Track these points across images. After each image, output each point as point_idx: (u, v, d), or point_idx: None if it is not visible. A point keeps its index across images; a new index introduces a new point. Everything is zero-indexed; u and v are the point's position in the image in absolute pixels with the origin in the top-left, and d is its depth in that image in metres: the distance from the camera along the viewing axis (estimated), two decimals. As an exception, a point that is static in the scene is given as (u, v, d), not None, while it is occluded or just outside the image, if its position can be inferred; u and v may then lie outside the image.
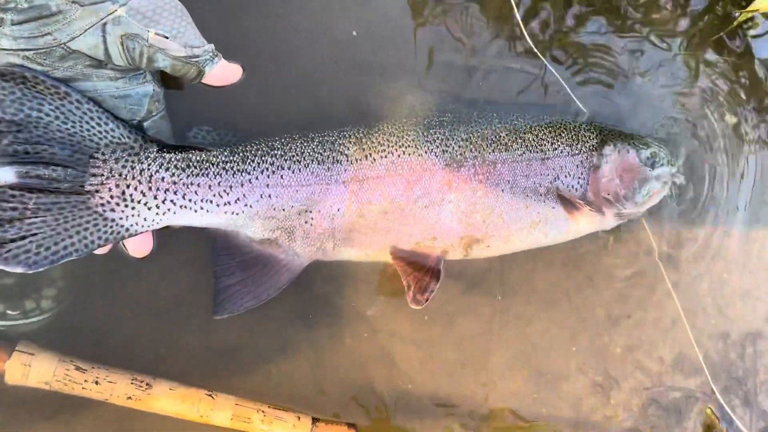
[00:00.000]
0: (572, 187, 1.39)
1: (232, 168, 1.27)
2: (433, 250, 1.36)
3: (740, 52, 1.63)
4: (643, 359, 1.53)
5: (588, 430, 1.50)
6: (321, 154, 1.30)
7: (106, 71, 1.14)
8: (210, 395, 1.23)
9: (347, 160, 1.30)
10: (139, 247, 1.31)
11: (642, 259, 1.55)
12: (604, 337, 1.52)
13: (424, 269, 1.35)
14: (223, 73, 1.25)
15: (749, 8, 1.52)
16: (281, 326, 1.43)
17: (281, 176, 1.28)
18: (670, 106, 1.60)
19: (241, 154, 1.29)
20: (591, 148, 1.42)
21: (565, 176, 1.39)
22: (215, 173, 1.26)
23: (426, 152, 1.33)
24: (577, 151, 1.41)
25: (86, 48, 1.07)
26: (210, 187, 1.25)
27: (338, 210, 1.29)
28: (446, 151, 1.34)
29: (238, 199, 1.27)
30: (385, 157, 1.32)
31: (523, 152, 1.37)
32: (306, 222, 1.30)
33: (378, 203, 1.30)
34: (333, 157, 1.30)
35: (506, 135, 1.38)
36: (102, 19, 1.03)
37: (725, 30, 1.61)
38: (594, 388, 1.51)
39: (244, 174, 1.27)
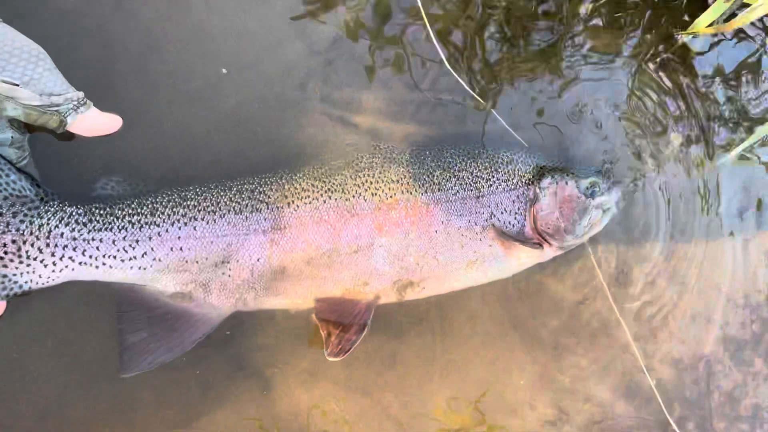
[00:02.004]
0: (509, 223, 1.35)
1: (139, 221, 1.24)
2: (364, 296, 1.32)
3: (682, 70, 1.58)
4: (593, 389, 1.48)
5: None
6: (239, 204, 1.27)
7: None
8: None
9: (267, 208, 1.27)
10: None
11: (588, 285, 1.51)
12: (553, 368, 1.48)
13: (348, 319, 1.30)
14: (92, 124, 1.19)
15: (689, 29, 1.46)
16: (208, 375, 1.38)
17: (194, 228, 1.25)
18: (614, 130, 1.56)
19: (150, 206, 1.25)
20: (528, 181, 1.38)
21: (501, 212, 1.35)
22: (120, 227, 1.22)
23: (354, 196, 1.29)
24: (513, 186, 1.37)
25: None
26: (113, 242, 1.22)
27: (258, 260, 1.26)
28: (375, 194, 1.30)
29: (146, 253, 1.24)
30: (309, 203, 1.28)
31: (457, 191, 1.33)
32: (223, 273, 1.26)
33: (302, 251, 1.27)
34: (252, 206, 1.27)
35: (439, 174, 1.34)
36: None
37: (667, 51, 1.56)
38: (545, 425, 1.46)
39: (152, 227, 1.24)
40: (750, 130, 1.55)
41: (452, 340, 1.46)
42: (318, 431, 1.39)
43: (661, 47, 1.58)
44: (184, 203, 1.26)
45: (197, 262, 1.25)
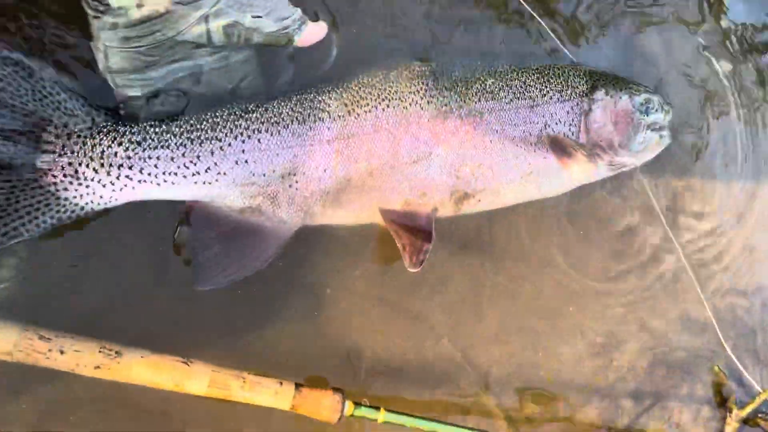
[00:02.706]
0: (563, 134, 1.34)
1: (199, 137, 1.21)
2: (423, 207, 1.30)
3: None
4: (646, 317, 1.45)
5: (591, 393, 1.42)
6: (301, 114, 1.25)
7: (206, 49, 1.20)
8: (185, 362, 1.13)
9: (329, 118, 1.25)
10: None
11: (640, 211, 1.49)
12: (603, 295, 1.45)
13: (415, 229, 1.28)
14: (310, 35, 1.28)
15: None
16: (261, 292, 1.34)
17: (258, 140, 1.23)
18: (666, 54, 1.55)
19: (210, 120, 1.23)
20: (581, 93, 1.36)
21: (556, 123, 1.33)
22: (178, 144, 1.20)
23: (410, 104, 1.28)
24: (567, 97, 1.35)
25: (192, 38, 1.15)
26: (173, 159, 1.20)
27: (324, 171, 1.24)
28: (431, 102, 1.28)
29: (209, 168, 1.21)
30: (369, 111, 1.26)
31: (511, 100, 1.32)
32: (290, 186, 1.24)
33: (365, 161, 1.25)
34: (314, 116, 1.25)
35: (492, 82, 1.33)
36: (204, 14, 1.12)
37: None
38: (595, 349, 1.43)
39: (213, 141, 1.22)
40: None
41: (500, 263, 1.43)
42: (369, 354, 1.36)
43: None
44: (246, 116, 1.24)
45: (264, 174, 1.23)
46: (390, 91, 1.28)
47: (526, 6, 1.47)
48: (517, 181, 1.32)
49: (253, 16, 1.18)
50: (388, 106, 1.26)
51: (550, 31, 1.48)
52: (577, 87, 1.36)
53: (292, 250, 1.33)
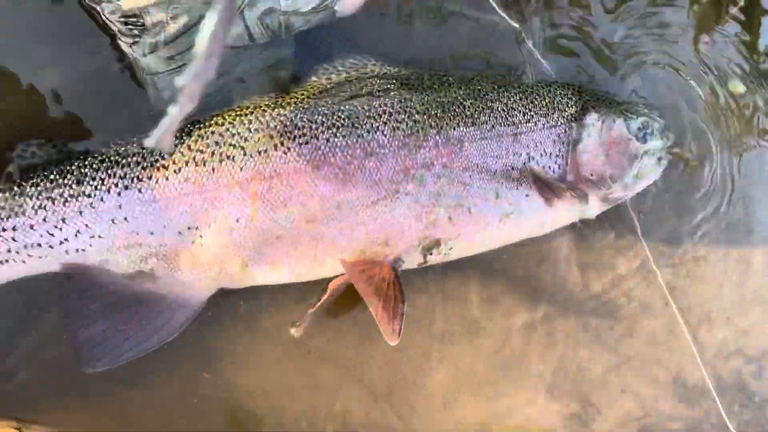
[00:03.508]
0: (548, 168, 1.14)
1: (62, 195, 1.02)
2: (384, 258, 1.08)
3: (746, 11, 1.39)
4: (631, 381, 1.25)
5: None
6: (201, 152, 1.02)
7: (252, 51, 1.13)
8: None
9: (243, 155, 1.02)
10: None
11: (629, 255, 1.29)
12: (581, 353, 1.25)
13: (381, 287, 1.05)
14: (351, 4, 1.17)
15: None
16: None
17: (139, 190, 1.01)
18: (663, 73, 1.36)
19: (76, 172, 1.02)
20: (570, 117, 1.17)
21: (540, 155, 1.14)
22: (36, 207, 1.02)
23: (369, 131, 1.05)
24: (553, 123, 1.15)
25: (233, 40, 1.08)
26: (32, 227, 1.02)
27: (237, 221, 1.01)
28: (398, 128, 1.06)
29: (79, 231, 1.02)
30: (306, 142, 1.03)
31: (493, 126, 1.11)
32: (193, 242, 1.02)
33: (298, 205, 1.02)
34: (221, 153, 1.02)
35: (471, 104, 1.11)
36: (239, 8, 1.04)
37: None
38: (569, 419, 1.23)
39: (80, 198, 1.02)
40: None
41: (456, 309, 1.24)
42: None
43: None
44: (124, 161, 1.02)
45: (152, 232, 1.02)
46: (340, 115, 1.05)
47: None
48: (496, 224, 1.13)
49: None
50: (335, 135, 1.03)
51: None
52: (566, 110, 1.17)
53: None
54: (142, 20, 1.02)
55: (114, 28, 1.05)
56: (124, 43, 1.07)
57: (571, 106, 1.18)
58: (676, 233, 1.31)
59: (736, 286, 1.32)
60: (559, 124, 1.16)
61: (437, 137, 1.07)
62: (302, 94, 1.08)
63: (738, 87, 1.37)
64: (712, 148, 1.34)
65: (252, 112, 1.05)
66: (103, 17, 1.05)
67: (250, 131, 1.03)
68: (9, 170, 1.06)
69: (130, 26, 1.02)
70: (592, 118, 1.17)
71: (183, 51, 1.05)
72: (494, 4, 1.29)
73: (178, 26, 1.03)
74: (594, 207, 1.21)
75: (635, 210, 1.29)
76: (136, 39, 1.04)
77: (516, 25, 1.30)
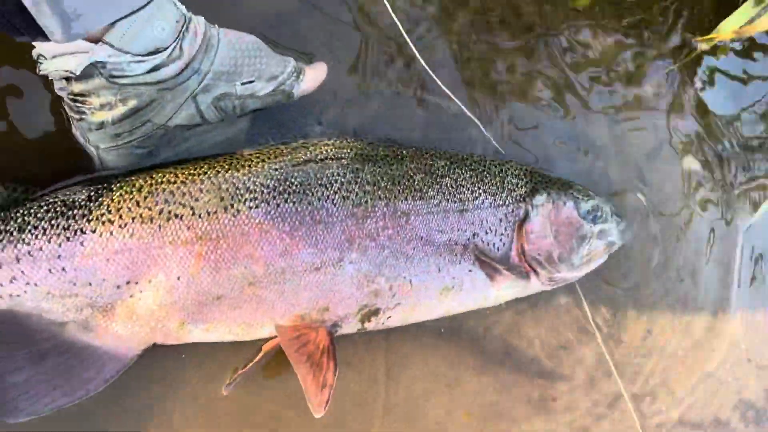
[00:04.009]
0: (493, 245, 1.15)
1: (0, 240, 1.00)
2: (321, 324, 1.08)
3: (700, 86, 1.43)
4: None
5: None
6: (149, 209, 1.01)
7: (203, 128, 1.11)
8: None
9: (191, 215, 1.01)
10: None
11: (571, 325, 1.30)
12: (523, 426, 1.25)
13: (314, 355, 1.05)
14: (309, 84, 1.18)
15: (710, 35, 1.35)
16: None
17: (81, 243, 1.00)
18: (613, 150, 1.38)
19: (20, 219, 1.01)
20: (518, 197, 1.18)
21: (485, 233, 1.15)
22: None
23: (320, 199, 1.06)
24: (501, 202, 1.17)
25: (184, 121, 1.07)
26: None
27: (178, 279, 1.00)
28: (348, 198, 1.07)
29: (15, 278, 1.00)
30: (256, 206, 1.03)
31: (440, 201, 1.12)
32: (131, 296, 1.01)
33: (243, 268, 1.02)
34: (169, 211, 1.01)
35: (421, 178, 1.13)
36: (192, 93, 1.03)
37: (681, 61, 1.41)
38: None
39: (20, 245, 1.00)
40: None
41: (399, 383, 1.22)
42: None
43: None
44: (70, 211, 1.01)
45: (90, 284, 1.00)
46: (292, 182, 1.06)
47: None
48: (436, 297, 1.13)
49: (243, 83, 1.08)
50: (285, 201, 1.04)
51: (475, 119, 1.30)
52: (515, 190, 1.18)
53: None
54: (90, 100, 1.00)
55: (63, 102, 1.03)
56: (70, 116, 1.06)
57: (521, 187, 1.19)
58: (621, 305, 1.32)
59: (681, 359, 1.33)
60: (507, 203, 1.17)
61: (385, 209, 1.08)
62: (257, 157, 1.09)
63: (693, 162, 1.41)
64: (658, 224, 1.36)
65: (205, 173, 1.05)
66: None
67: (201, 191, 1.03)
68: None
69: (78, 104, 0.99)
70: (541, 199, 1.19)
71: (131, 130, 1.04)
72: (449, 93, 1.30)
73: (126, 108, 1.01)
74: (539, 286, 1.21)
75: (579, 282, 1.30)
76: (83, 116, 1.01)
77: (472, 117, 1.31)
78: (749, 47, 1.46)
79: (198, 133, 1.12)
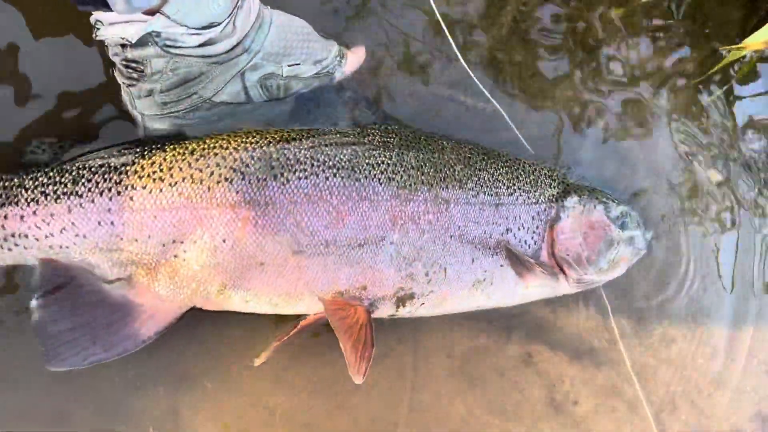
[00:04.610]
0: (525, 242, 1.17)
1: (55, 191, 1.04)
2: (359, 302, 1.09)
3: (727, 98, 1.45)
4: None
5: None
6: (200, 170, 1.03)
7: (247, 107, 1.14)
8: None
9: (242, 179, 1.03)
10: None
11: (595, 331, 1.31)
12: (543, 428, 1.25)
13: (354, 330, 1.06)
14: (350, 68, 1.22)
15: (740, 44, 1.34)
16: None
17: (131, 198, 1.01)
18: (642, 160, 1.40)
19: (74, 172, 1.04)
20: (551, 197, 1.21)
21: (518, 229, 1.17)
22: (29, 200, 1.04)
23: (367, 177, 1.08)
24: (534, 200, 1.19)
25: (229, 97, 1.10)
26: (22, 217, 1.03)
27: (223, 242, 1.01)
28: (393, 180, 1.09)
29: (65, 228, 1.03)
30: (306, 177, 1.05)
31: (477, 193, 1.15)
32: (175, 256, 1.02)
33: (289, 236, 1.03)
34: (219, 174, 1.03)
35: (460, 169, 1.15)
36: (240, 70, 1.07)
37: (710, 72, 1.43)
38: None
39: (72, 197, 1.03)
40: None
41: (426, 378, 1.22)
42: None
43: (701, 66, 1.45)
44: (123, 167, 1.04)
45: (136, 240, 1.02)
46: (341, 158, 1.08)
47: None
48: (468, 289, 1.14)
49: (290, 65, 1.11)
50: (334, 175, 1.06)
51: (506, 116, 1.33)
52: (547, 190, 1.21)
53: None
54: (142, 67, 1.02)
55: (115, 67, 1.06)
56: (121, 81, 1.09)
57: (554, 187, 1.22)
58: (644, 313, 1.32)
59: (701, 369, 1.33)
60: (540, 202, 1.19)
61: (427, 194, 1.10)
62: (307, 133, 1.11)
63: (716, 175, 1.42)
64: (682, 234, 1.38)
65: (257, 141, 1.07)
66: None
67: (252, 159, 1.05)
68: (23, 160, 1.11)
69: (130, 70, 1.04)
70: (572, 201, 1.21)
71: (179, 100, 1.08)
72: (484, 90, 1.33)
73: (176, 78, 1.04)
74: (566, 287, 1.22)
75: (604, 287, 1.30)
76: (134, 83, 1.05)
77: (507, 117, 1.33)
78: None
79: (242, 112, 1.14)
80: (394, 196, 1.07)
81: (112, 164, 1.04)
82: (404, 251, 1.07)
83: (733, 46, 1.36)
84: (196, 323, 1.14)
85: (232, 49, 1.02)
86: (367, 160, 1.09)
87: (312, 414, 1.18)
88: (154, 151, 1.05)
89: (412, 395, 1.22)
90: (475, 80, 1.31)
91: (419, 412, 1.21)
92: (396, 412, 1.21)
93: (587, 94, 1.39)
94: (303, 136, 1.10)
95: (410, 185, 1.09)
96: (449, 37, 1.31)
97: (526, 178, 1.20)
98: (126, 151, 1.07)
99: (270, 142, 1.07)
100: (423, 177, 1.11)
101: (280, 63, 1.10)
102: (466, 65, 1.31)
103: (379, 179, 1.07)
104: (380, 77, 1.32)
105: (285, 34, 1.09)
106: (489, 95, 1.31)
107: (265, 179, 1.03)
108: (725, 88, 1.43)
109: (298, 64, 1.12)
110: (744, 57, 1.42)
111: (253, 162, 1.04)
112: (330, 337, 1.08)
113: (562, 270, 1.19)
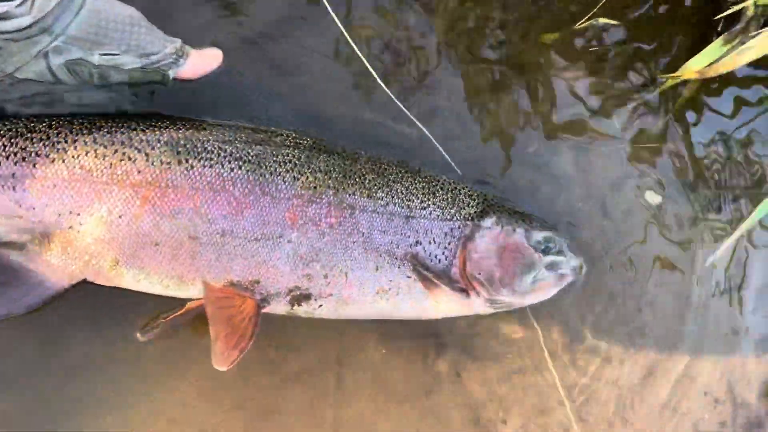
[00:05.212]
0: (435, 256, 1.17)
1: None
2: (250, 295, 1.10)
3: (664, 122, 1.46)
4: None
5: None
6: (104, 147, 1.06)
7: (61, 86, 1.09)
8: None
9: (144, 160, 1.06)
10: None
11: (524, 350, 1.31)
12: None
13: (235, 320, 1.07)
14: (194, 69, 1.13)
15: (676, 72, 1.37)
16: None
17: (33, 165, 1.04)
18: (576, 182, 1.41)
19: None
20: (467, 216, 1.21)
21: (429, 243, 1.17)
22: None
23: (272, 173, 1.10)
24: (448, 216, 1.19)
25: (35, 75, 1.03)
26: None
27: (120, 217, 1.04)
28: (298, 179, 1.11)
29: None
30: (211, 166, 1.07)
31: (387, 203, 1.16)
32: (70, 227, 1.04)
33: (187, 221, 1.05)
34: (123, 153, 1.06)
35: (372, 178, 1.17)
36: (41, 50, 1.00)
37: (646, 95, 1.44)
38: None
39: None
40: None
41: (350, 396, 1.24)
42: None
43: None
44: (29, 134, 1.06)
45: (34, 208, 1.04)
46: (248, 152, 1.10)
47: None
48: (371, 296, 1.15)
49: (103, 54, 1.03)
50: (239, 167, 1.08)
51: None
52: (464, 208, 1.21)
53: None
54: None
55: None
56: None
57: (472, 207, 1.22)
58: (576, 333, 1.32)
59: (635, 388, 1.32)
60: (455, 219, 1.20)
61: (331, 198, 1.11)
62: (219, 125, 1.14)
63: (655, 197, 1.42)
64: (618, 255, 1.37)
65: (166, 126, 1.10)
66: None
67: (159, 141, 1.07)
68: None
69: None
70: (489, 221, 1.21)
71: None
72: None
73: None
74: (480, 306, 1.22)
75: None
76: None
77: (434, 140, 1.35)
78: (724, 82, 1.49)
79: (59, 92, 1.12)
80: (296, 195, 1.09)
81: (20, 130, 1.07)
82: (302, 251, 1.09)
83: (669, 75, 1.38)
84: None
85: (29, 27, 0.96)
86: (274, 158, 1.11)
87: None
88: (62, 123, 1.08)
89: (336, 413, 1.23)
90: (400, 105, 1.34)
91: (344, 430, 1.22)
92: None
93: (523, 117, 1.39)
94: (214, 127, 1.12)
95: (315, 187, 1.11)
96: (370, 69, 1.34)
97: (443, 194, 1.21)
98: (35, 120, 1.09)
99: (179, 129, 1.10)
100: (330, 181, 1.12)
101: (91, 50, 1.04)
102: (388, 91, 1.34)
103: (284, 177, 1.09)
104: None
105: (99, 20, 1.02)
106: (415, 119, 1.34)
107: (169, 163, 1.06)
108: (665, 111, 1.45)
109: (116, 54, 1.05)
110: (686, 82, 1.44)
111: (159, 145, 1.07)
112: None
113: (474, 288, 1.19)
